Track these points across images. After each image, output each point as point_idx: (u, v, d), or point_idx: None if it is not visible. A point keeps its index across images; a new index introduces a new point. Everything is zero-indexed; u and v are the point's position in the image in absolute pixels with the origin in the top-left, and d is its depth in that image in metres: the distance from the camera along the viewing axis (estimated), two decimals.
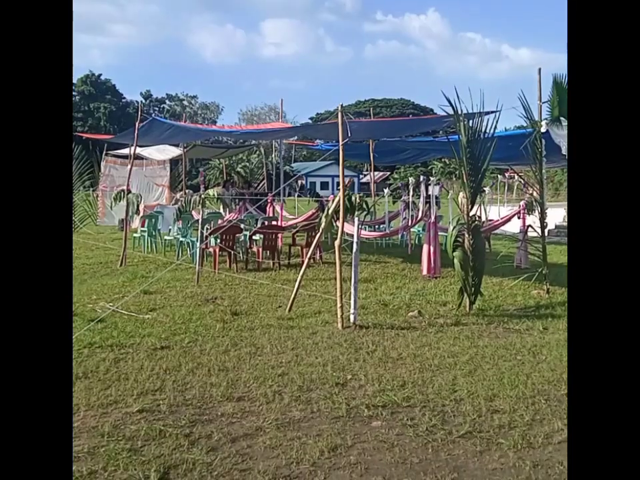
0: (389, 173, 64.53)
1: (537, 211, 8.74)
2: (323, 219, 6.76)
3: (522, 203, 11.33)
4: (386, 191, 11.68)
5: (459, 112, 7.31)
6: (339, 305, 6.47)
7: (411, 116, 77.01)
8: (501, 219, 11.91)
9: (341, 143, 6.28)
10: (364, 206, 8.35)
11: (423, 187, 10.40)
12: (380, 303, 7.71)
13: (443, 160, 54.56)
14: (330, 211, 6.63)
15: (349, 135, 6.23)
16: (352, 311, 6.54)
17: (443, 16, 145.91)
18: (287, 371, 5.04)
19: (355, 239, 6.47)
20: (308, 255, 6.99)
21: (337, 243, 6.50)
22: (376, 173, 29.64)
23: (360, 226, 6.63)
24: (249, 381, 4.80)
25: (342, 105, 6.40)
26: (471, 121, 7.41)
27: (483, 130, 7.43)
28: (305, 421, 4.06)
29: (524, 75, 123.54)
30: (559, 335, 6.19)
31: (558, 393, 4.51)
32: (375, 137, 10.42)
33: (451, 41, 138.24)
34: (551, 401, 4.36)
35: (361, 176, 65.99)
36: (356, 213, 7.40)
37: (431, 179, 11.89)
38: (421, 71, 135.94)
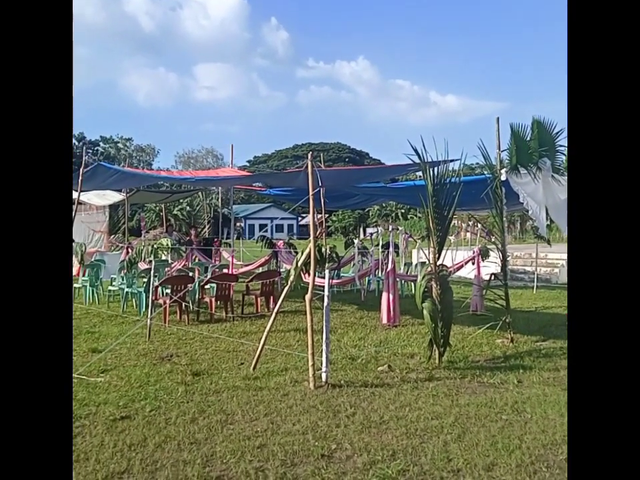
0: (327, 216, 65.02)
1: (498, 257, 8.71)
2: (292, 271, 6.44)
3: (476, 248, 11.39)
4: (356, 241, 11.48)
5: (425, 161, 7.23)
6: (310, 362, 6.11)
7: (347, 160, 78.41)
8: (457, 264, 11.91)
9: (311, 192, 6.03)
10: (334, 257, 8.08)
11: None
12: (347, 358, 7.39)
13: (380, 203, 55.44)
14: (300, 263, 6.33)
15: (320, 184, 5.99)
16: (324, 369, 6.19)
17: (373, 63, 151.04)
18: (265, 442, 4.62)
19: (326, 292, 6.17)
20: (276, 310, 6.59)
21: (307, 297, 6.17)
22: (318, 215, 29.59)
23: (330, 277, 6.33)
24: (225, 456, 4.36)
25: (312, 154, 6.16)
26: (435, 169, 7.34)
27: (447, 178, 7.37)
28: None
29: (451, 121, 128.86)
30: (536, 390, 6.04)
31: (557, 459, 4.29)
32: (342, 185, 10.28)
33: (381, 87, 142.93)
34: (552, 468, 4.14)
35: (299, 218, 66.17)
36: (326, 264, 7.14)
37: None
38: (354, 116, 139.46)
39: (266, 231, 43.99)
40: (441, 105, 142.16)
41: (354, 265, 13.54)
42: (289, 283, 6.41)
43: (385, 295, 9.86)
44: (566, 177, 9.41)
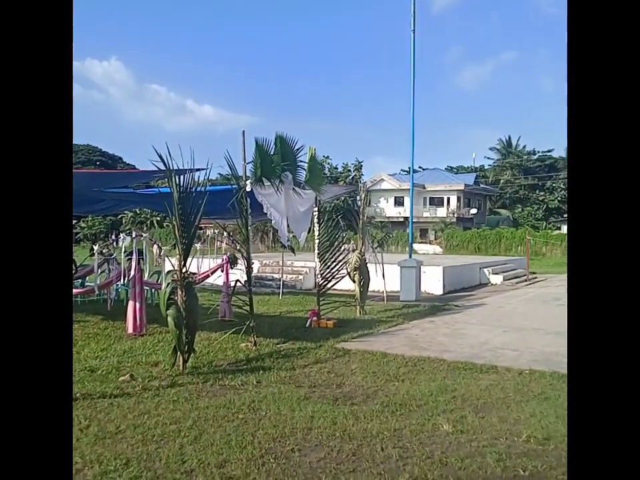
0: (75, 222, 60.72)
1: (243, 265, 9.08)
2: None
3: (225, 256, 11.70)
4: (95, 247, 10.90)
5: (171, 168, 7.26)
6: None
7: (98, 163, 74.31)
8: (205, 272, 12.07)
9: None
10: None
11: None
12: (86, 370, 7.04)
13: (133, 210, 53.67)
14: None
15: None
16: None
17: (127, 65, 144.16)
18: None
19: None
20: None
21: None
22: None
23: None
24: None
25: None
26: (181, 178, 7.40)
27: (194, 186, 7.49)
28: None
29: (209, 130, 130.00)
30: (273, 388, 6.43)
31: (284, 450, 4.63)
32: (82, 189, 9.64)
33: (137, 90, 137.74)
34: (279, 458, 4.45)
35: None
36: None
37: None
38: (106, 118, 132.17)
39: None
40: (198, 113, 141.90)
41: (101, 273, 12.92)
42: None
43: (131, 303, 9.60)
44: (306, 190, 10.21)
